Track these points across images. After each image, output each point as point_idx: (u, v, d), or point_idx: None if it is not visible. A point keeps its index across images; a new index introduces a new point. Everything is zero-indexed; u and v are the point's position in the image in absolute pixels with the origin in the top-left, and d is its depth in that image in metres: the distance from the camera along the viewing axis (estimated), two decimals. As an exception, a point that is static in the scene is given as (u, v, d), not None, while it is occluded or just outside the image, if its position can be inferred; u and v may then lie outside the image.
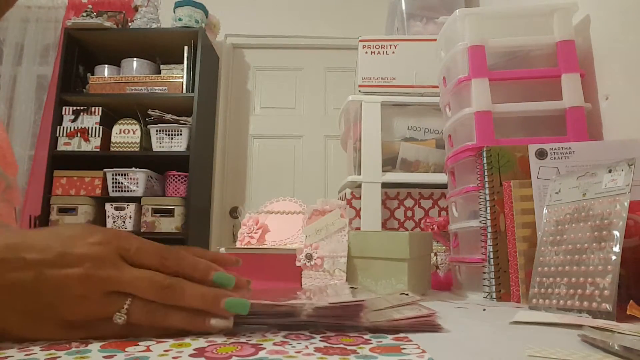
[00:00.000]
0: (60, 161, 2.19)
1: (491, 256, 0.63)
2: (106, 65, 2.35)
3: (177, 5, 2.31)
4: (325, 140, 2.58)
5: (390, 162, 1.19)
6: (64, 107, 2.24)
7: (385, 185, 1.15)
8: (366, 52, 1.26)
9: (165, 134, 2.22)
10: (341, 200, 1.17)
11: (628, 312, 0.42)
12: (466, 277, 0.71)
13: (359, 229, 1.13)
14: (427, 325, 0.38)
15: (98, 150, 2.19)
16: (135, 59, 2.33)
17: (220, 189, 2.50)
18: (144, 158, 2.21)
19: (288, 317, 0.37)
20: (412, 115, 1.23)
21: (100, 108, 2.24)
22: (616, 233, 0.45)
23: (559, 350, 0.31)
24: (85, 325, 0.33)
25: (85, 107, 2.24)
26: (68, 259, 0.32)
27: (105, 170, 2.18)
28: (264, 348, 0.31)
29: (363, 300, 0.38)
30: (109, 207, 2.13)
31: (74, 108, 2.24)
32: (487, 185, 0.66)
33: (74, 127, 2.21)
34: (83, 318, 0.33)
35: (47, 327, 0.32)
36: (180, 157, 2.18)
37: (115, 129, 2.24)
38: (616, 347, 0.29)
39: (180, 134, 2.21)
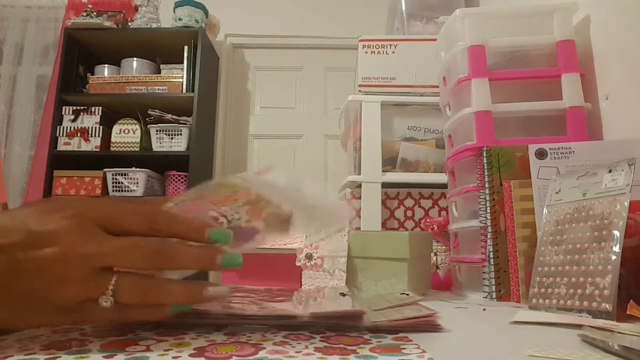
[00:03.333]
0: (60, 161, 2.19)
1: (491, 256, 0.63)
2: (106, 65, 2.35)
3: (177, 5, 2.31)
4: (325, 140, 2.58)
5: (390, 162, 1.19)
6: (64, 107, 2.24)
7: (385, 185, 1.15)
8: (366, 52, 1.26)
9: (165, 134, 2.22)
10: (341, 200, 1.17)
11: (628, 312, 0.42)
12: (466, 277, 0.71)
13: (359, 229, 1.13)
14: (427, 325, 0.38)
15: (98, 150, 2.19)
16: (135, 58, 2.33)
17: (220, 189, 2.50)
18: (144, 158, 2.21)
19: (286, 320, 0.37)
20: (412, 115, 1.23)
21: (100, 108, 2.24)
22: (616, 233, 0.45)
23: (559, 350, 0.31)
24: (76, 308, 0.30)
25: (85, 107, 2.24)
26: (41, 239, 0.29)
27: (105, 170, 2.18)
28: (264, 348, 0.31)
29: (363, 312, 0.38)
30: (109, 207, 2.13)
31: (74, 108, 2.24)
32: (487, 185, 0.66)
33: (74, 127, 2.21)
34: (70, 301, 0.30)
35: (36, 314, 0.30)
36: (180, 157, 2.19)
37: (115, 128, 2.24)
38: (616, 347, 0.29)
39: (180, 134, 2.21)
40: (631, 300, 0.43)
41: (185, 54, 2.26)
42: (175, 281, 0.32)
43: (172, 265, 0.32)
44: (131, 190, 2.15)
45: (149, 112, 2.23)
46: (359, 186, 1.16)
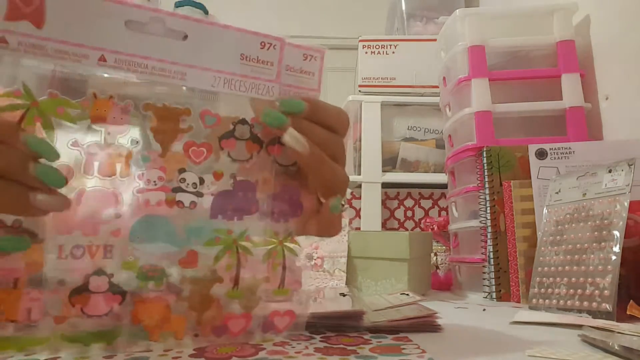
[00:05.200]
0: (60, 161, 2.19)
1: (491, 256, 0.63)
2: (106, 66, 2.35)
3: (177, 6, 2.31)
4: (325, 140, 2.59)
5: (390, 162, 1.19)
6: (64, 107, 2.24)
7: (385, 185, 1.15)
8: (366, 52, 1.26)
9: (165, 134, 2.22)
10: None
11: (628, 312, 0.42)
12: (466, 277, 0.71)
13: (359, 229, 1.13)
14: (427, 325, 0.38)
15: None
16: (135, 59, 2.33)
17: (220, 189, 2.50)
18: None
19: None
20: (412, 115, 1.23)
21: (100, 108, 2.24)
22: (616, 233, 0.45)
23: (559, 350, 0.31)
24: None
25: (85, 107, 2.24)
26: None
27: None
28: (264, 348, 0.31)
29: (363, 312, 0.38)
30: (109, 207, 2.13)
31: (74, 108, 2.24)
32: (487, 185, 0.66)
33: (74, 127, 2.21)
34: None
35: None
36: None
37: (115, 129, 2.24)
38: (616, 347, 0.29)
39: (180, 134, 2.21)
40: (631, 300, 0.43)
41: (185, 54, 2.26)
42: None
43: None
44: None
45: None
46: (359, 186, 1.16)
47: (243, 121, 0.32)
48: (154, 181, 0.29)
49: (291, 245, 0.33)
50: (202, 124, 0.31)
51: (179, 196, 0.30)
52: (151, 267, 0.29)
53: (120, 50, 0.27)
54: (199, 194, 0.30)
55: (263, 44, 0.30)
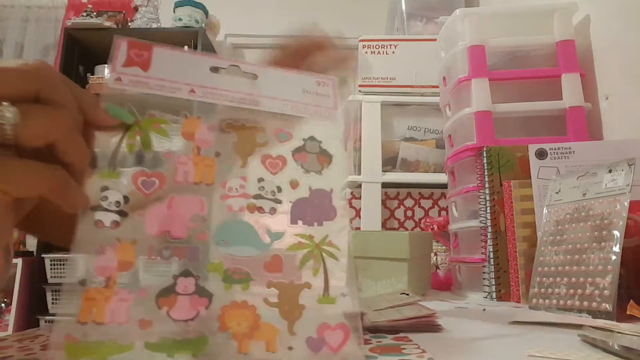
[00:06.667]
0: (60, 161, 2.19)
1: (491, 256, 0.63)
2: (106, 65, 2.34)
3: (177, 5, 2.31)
4: (325, 140, 2.58)
5: (390, 162, 1.19)
6: (64, 107, 2.24)
7: (385, 185, 1.15)
8: (366, 52, 1.26)
9: (166, 134, 2.22)
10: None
11: (628, 312, 0.42)
12: (466, 277, 0.71)
13: (359, 229, 1.13)
14: (427, 325, 0.38)
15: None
16: (135, 59, 2.33)
17: (220, 189, 2.50)
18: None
19: None
20: (412, 115, 1.23)
21: (100, 108, 2.24)
22: (616, 233, 0.45)
23: (559, 350, 0.31)
24: None
25: (85, 107, 2.24)
26: None
27: (105, 170, 2.18)
28: (264, 348, 0.31)
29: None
30: (109, 207, 2.13)
31: (74, 108, 2.24)
32: (487, 185, 0.66)
33: (74, 127, 2.21)
34: None
35: None
36: (180, 157, 2.18)
37: (115, 129, 2.24)
38: (616, 347, 0.29)
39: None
40: (631, 300, 0.43)
41: (186, 54, 2.26)
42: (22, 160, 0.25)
43: (55, 87, 0.27)
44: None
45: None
46: (359, 186, 1.16)
47: (312, 138, 0.34)
48: (236, 189, 0.31)
49: (329, 249, 0.32)
50: (275, 139, 0.33)
51: (260, 202, 0.31)
52: (236, 270, 0.29)
53: (206, 85, 0.33)
54: (278, 201, 0.32)
55: (318, 82, 0.36)
